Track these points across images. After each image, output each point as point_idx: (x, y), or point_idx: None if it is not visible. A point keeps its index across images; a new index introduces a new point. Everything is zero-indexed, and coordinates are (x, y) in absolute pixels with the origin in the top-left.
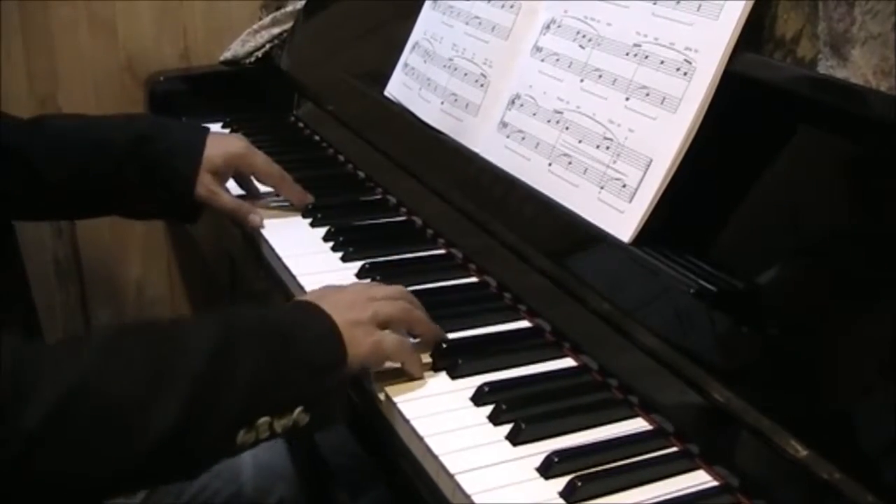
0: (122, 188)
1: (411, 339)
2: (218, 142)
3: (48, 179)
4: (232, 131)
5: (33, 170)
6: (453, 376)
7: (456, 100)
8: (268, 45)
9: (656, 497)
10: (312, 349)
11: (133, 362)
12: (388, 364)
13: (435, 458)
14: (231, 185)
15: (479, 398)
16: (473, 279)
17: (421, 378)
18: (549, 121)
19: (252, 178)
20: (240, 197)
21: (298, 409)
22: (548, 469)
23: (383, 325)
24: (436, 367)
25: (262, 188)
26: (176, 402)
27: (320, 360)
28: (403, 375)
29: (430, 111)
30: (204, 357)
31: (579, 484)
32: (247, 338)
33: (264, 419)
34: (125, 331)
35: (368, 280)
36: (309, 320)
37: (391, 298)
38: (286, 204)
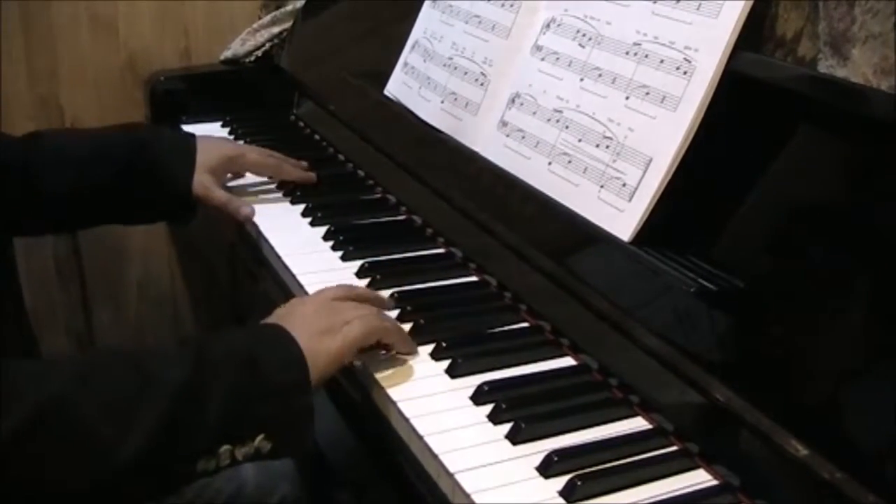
0: (122, 194)
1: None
2: (210, 145)
3: (48, 190)
4: (232, 130)
5: (33, 182)
6: (453, 375)
7: (456, 99)
8: (268, 45)
9: (656, 496)
10: (277, 379)
11: (104, 388)
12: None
13: (435, 457)
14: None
15: (478, 397)
16: (473, 278)
17: (414, 351)
18: (548, 120)
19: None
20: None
21: (260, 437)
22: (547, 468)
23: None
24: (435, 365)
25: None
26: (142, 433)
27: (285, 390)
28: (403, 372)
29: (429, 110)
30: (172, 391)
31: (579, 483)
32: (213, 372)
33: (226, 447)
34: (99, 357)
35: (368, 280)
36: (273, 347)
37: (356, 297)
38: (285, 200)
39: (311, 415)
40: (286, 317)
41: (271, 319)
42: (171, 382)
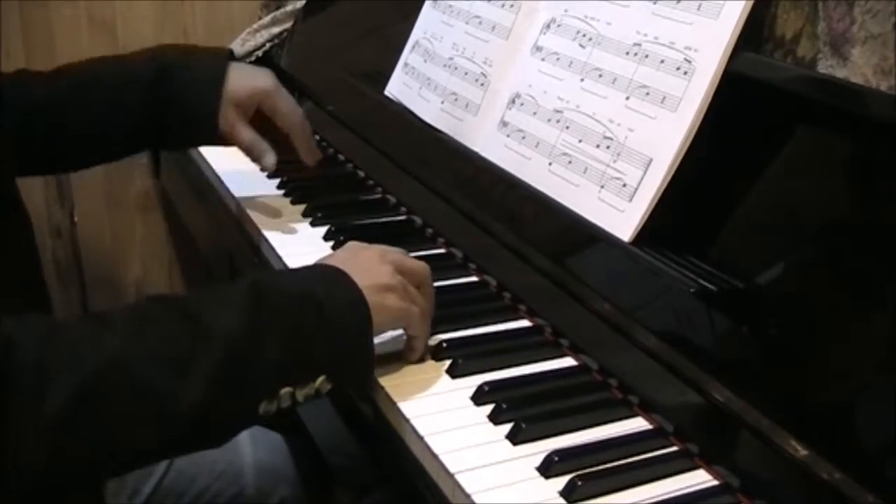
0: (147, 126)
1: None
2: (244, 74)
3: (71, 131)
4: None
5: (57, 123)
6: (453, 375)
7: (456, 99)
8: (267, 45)
9: (656, 496)
10: (339, 323)
11: (159, 342)
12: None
13: (435, 457)
14: None
15: (479, 397)
16: (473, 278)
17: (416, 361)
18: (549, 120)
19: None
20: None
21: (321, 379)
22: (548, 468)
23: (407, 292)
24: (435, 366)
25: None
26: (203, 382)
27: (347, 333)
28: (403, 372)
29: (430, 110)
30: (227, 340)
31: (579, 483)
32: (273, 313)
33: (286, 389)
34: (150, 308)
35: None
36: (336, 291)
37: (417, 273)
38: (285, 200)
39: (372, 354)
40: (349, 262)
41: (331, 262)
42: (226, 331)
